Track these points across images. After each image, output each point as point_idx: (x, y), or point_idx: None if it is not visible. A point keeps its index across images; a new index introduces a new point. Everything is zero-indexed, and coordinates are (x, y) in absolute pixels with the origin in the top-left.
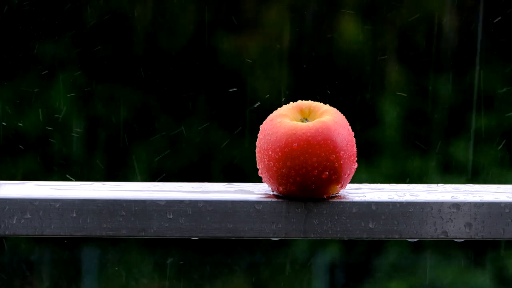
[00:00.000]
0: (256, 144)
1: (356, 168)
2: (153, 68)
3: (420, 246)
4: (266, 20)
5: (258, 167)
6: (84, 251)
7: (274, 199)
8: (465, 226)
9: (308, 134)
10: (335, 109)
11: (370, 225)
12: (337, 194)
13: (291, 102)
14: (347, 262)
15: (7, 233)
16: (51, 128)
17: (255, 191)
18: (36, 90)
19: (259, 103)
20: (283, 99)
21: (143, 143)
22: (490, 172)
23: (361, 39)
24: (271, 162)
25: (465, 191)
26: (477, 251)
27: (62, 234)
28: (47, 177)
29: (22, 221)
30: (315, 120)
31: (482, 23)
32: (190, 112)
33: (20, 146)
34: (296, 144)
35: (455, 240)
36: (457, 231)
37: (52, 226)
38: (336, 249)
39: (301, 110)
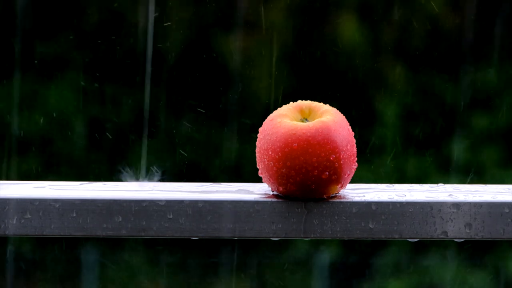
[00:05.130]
0: (256, 144)
1: (356, 168)
2: (153, 68)
3: (420, 246)
4: (266, 20)
5: (258, 167)
6: (84, 251)
7: (274, 199)
8: (465, 226)
9: (308, 134)
10: (335, 109)
11: (370, 225)
12: (337, 194)
13: (291, 102)
14: (347, 262)
15: (7, 233)
16: (51, 128)
17: (255, 191)
18: (36, 90)
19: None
20: (273, 98)
21: (143, 143)
22: (490, 172)
23: (360, 39)
24: (271, 162)
25: (465, 191)
26: (477, 251)
27: (62, 234)
28: (47, 177)
29: (22, 221)
30: (315, 120)
31: (482, 23)
32: (190, 112)
33: (20, 146)
34: (296, 144)
35: (455, 240)
36: (457, 231)
37: (52, 226)
38: (336, 249)
39: (301, 110)
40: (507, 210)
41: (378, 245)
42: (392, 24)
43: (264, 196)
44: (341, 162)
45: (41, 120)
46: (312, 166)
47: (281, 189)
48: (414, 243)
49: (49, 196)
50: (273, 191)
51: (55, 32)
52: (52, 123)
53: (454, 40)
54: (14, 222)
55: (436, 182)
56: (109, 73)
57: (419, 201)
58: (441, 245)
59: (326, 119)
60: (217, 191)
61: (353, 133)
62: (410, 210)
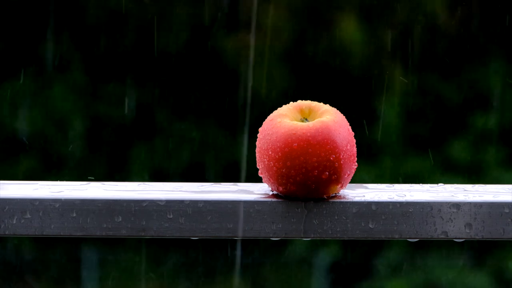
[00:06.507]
0: (256, 144)
1: (356, 168)
2: (153, 68)
3: (420, 246)
4: (266, 20)
5: (258, 167)
6: (84, 251)
7: (274, 199)
8: (465, 226)
9: (308, 134)
10: (335, 109)
11: (370, 225)
12: (337, 194)
13: (291, 102)
14: (347, 262)
15: (7, 233)
16: (51, 128)
17: (255, 191)
18: (36, 89)
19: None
20: (273, 98)
21: (143, 143)
22: (490, 172)
23: (361, 39)
24: (271, 162)
25: (465, 191)
26: (477, 251)
27: (62, 234)
28: (47, 177)
29: (22, 221)
30: (315, 120)
31: (482, 23)
32: (190, 111)
33: (20, 146)
34: (296, 144)
35: (455, 240)
36: (457, 231)
37: (52, 226)
38: (336, 249)
39: (301, 110)
40: (507, 210)
41: (378, 245)
42: (392, 24)
43: (264, 196)
44: (341, 162)
45: (41, 120)
46: (312, 166)
47: (281, 189)
48: (414, 243)
49: (49, 196)
50: (273, 191)
51: (55, 32)
52: (52, 123)
53: (454, 40)
54: (14, 222)
55: (436, 182)
56: (110, 73)
57: (419, 201)
58: (441, 245)
59: (326, 119)
60: (217, 191)
61: (353, 133)
62: (410, 210)
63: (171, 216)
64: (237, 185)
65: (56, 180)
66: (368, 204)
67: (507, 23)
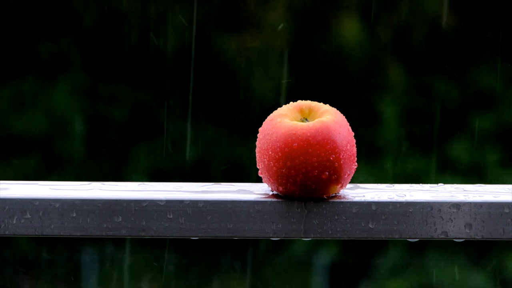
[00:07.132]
0: (256, 144)
1: (356, 168)
2: (154, 68)
3: (420, 246)
4: (266, 20)
5: (258, 167)
6: (84, 251)
7: (274, 199)
8: (465, 226)
9: (308, 134)
10: (335, 109)
11: (370, 225)
12: (337, 194)
13: (291, 102)
14: (347, 262)
15: (7, 233)
16: (52, 128)
17: (255, 191)
18: (37, 90)
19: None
20: (273, 98)
21: (143, 143)
22: (490, 172)
23: (361, 39)
24: (271, 162)
25: (465, 191)
26: (477, 251)
27: (62, 234)
28: (47, 177)
29: (22, 221)
30: (315, 120)
31: (482, 23)
32: (190, 111)
33: (21, 146)
34: (296, 144)
35: (455, 240)
36: (457, 231)
37: (52, 226)
38: (336, 249)
39: (301, 110)
40: (507, 210)
41: (378, 245)
42: (392, 24)
43: (264, 196)
44: (341, 162)
45: (42, 120)
46: (312, 166)
47: (281, 189)
48: (414, 243)
49: (49, 196)
50: (273, 191)
51: (55, 32)
52: (53, 123)
53: (454, 39)
54: (14, 222)
55: (436, 182)
56: (109, 72)
57: (419, 201)
58: (441, 245)
59: (326, 119)
60: (217, 191)
61: (353, 133)
62: (410, 210)
63: (171, 216)
64: (237, 185)
65: (57, 180)
66: (368, 204)
67: (507, 23)
